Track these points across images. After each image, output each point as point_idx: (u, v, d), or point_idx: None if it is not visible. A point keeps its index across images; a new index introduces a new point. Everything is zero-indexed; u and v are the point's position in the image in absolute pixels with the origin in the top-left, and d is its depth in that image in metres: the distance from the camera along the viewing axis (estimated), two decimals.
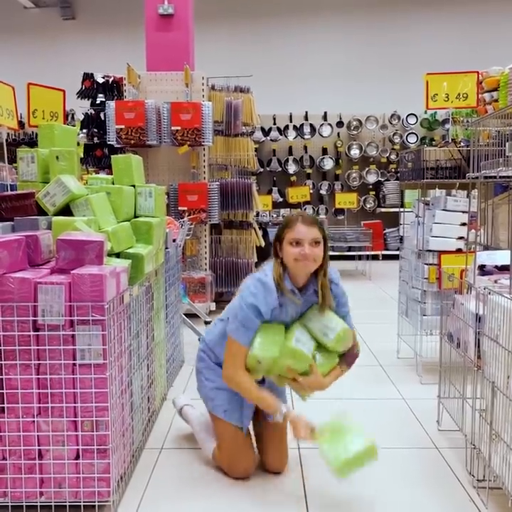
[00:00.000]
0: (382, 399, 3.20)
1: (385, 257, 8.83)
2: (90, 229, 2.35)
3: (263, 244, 5.67)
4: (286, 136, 9.24)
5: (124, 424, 2.24)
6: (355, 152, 9.34)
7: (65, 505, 2.03)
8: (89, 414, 2.00)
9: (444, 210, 3.46)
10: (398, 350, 3.92)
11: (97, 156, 5.53)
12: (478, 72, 4.69)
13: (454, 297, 2.63)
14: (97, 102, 5.47)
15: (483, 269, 2.58)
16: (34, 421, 2.01)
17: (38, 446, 2.02)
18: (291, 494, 2.24)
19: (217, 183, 5.23)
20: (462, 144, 5.10)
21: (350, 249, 8.15)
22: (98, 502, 2.04)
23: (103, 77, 5.49)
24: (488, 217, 3.57)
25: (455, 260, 3.24)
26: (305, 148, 9.31)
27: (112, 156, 3.02)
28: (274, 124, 9.23)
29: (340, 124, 9.34)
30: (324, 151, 9.33)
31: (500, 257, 2.64)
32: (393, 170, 9.30)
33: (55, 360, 1.97)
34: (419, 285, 3.51)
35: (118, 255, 2.49)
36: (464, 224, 3.43)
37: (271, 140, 9.25)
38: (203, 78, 5.28)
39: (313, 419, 2.15)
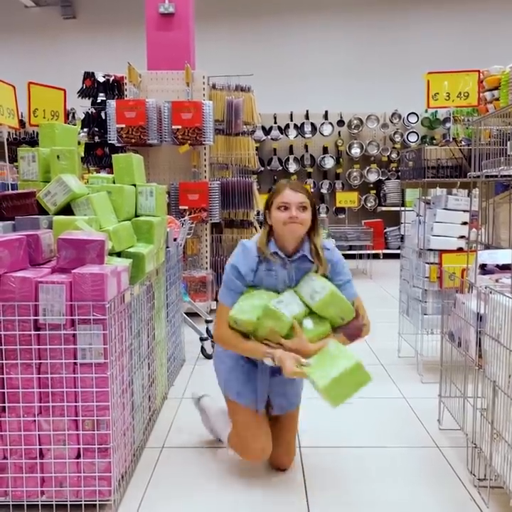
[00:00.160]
0: (383, 398, 3.20)
1: (386, 256, 8.84)
2: (91, 228, 2.35)
3: None
4: (286, 135, 9.24)
5: (125, 423, 2.24)
6: (355, 151, 9.34)
7: (66, 505, 2.03)
8: (90, 414, 2.00)
9: (445, 209, 3.46)
10: (399, 349, 3.92)
11: (97, 155, 5.53)
12: (479, 71, 4.68)
13: (455, 296, 2.63)
14: (98, 101, 5.47)
15: (484, 268, 2.57)
16: (35, 420, 2.01)
17: (39, 445, 2.02)
18: (291, 494, 2.24)
19: (218, 182, 5.23)
20: (463, 142, 5.10)
21: (351, 248, 8.17)
22: (99, 501, 2.04)
23: (104, 76, 5.49)
24: (489, 216, 3.56)
25: (456, 259, 3.23)
26: (306, 147, 9.31)
27: (112, 155, 3.02)
28: (275, 123, 9.24)
29: (341, 122, 9.34)
30: (325, 150, 9.33)
31: (502, 256, 2.64)
32: (394, 169, 9.30)
33: (56, 359, 1.97)
34: (420, 284, 3.51)
35: (119, 254, 2.49)
36: (465, 223, 3.43)
37: (272, 139, 9.25)
38: (203, 77, 5.28)
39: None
